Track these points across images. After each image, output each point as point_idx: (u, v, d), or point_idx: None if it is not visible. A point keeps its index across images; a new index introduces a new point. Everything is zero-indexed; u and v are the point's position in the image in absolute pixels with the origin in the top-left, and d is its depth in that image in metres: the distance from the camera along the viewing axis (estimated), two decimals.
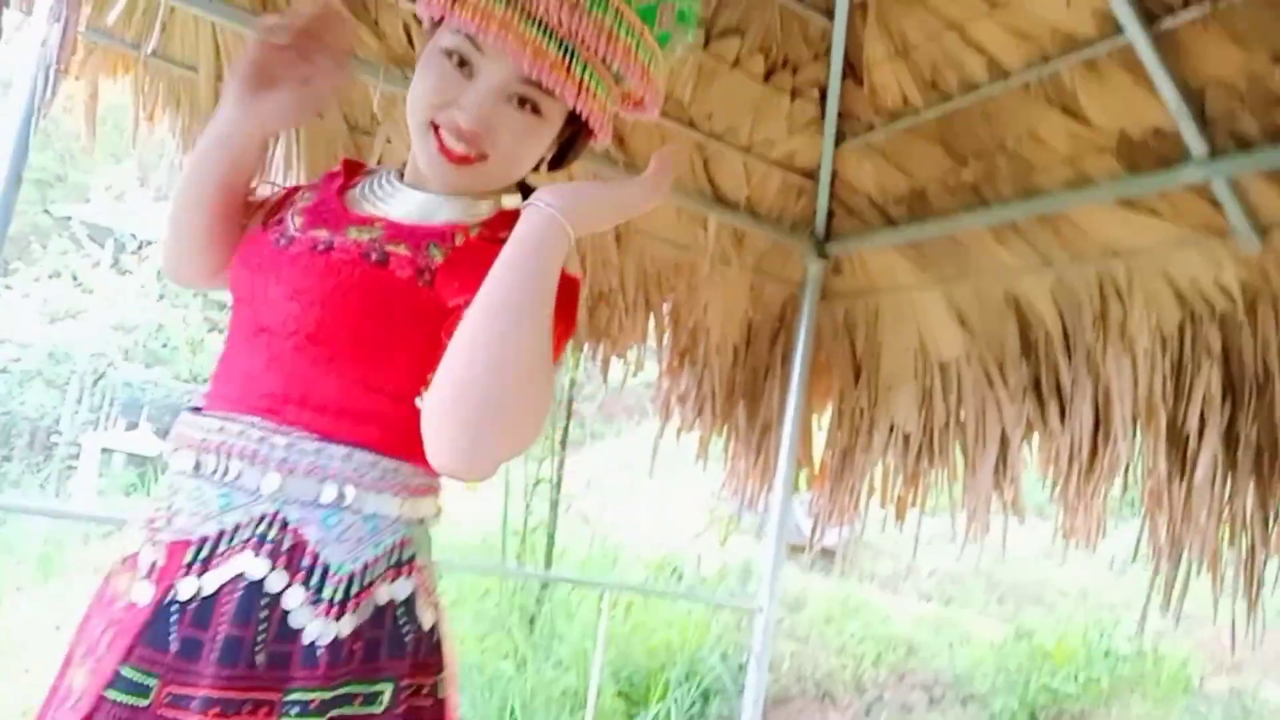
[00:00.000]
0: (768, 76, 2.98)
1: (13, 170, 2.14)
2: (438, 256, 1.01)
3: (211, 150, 1.13)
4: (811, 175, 3.22)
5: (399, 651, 0.98)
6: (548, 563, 6.36)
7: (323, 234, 1.03)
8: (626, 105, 1.12)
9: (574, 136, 1.11)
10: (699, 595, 7.22)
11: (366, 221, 1.05)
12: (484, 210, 1.07)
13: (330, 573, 0.94)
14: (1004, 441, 2.96)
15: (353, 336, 0.99)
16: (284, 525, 0.95)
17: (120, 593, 0.98)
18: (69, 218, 11.39)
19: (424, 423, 0.89)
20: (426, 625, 1.02)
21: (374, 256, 1.00)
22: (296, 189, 1.17)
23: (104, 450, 10.28)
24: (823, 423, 3.58)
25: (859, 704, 6.10)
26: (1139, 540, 2.75)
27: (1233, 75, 2.19)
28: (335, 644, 0.92)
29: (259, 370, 1.02)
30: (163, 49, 2.53)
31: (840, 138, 3.08)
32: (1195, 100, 2.25)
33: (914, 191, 3.01)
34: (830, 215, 3.29)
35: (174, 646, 0.91)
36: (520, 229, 0.93)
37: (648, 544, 7.99)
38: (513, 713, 5.29)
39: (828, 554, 7.94)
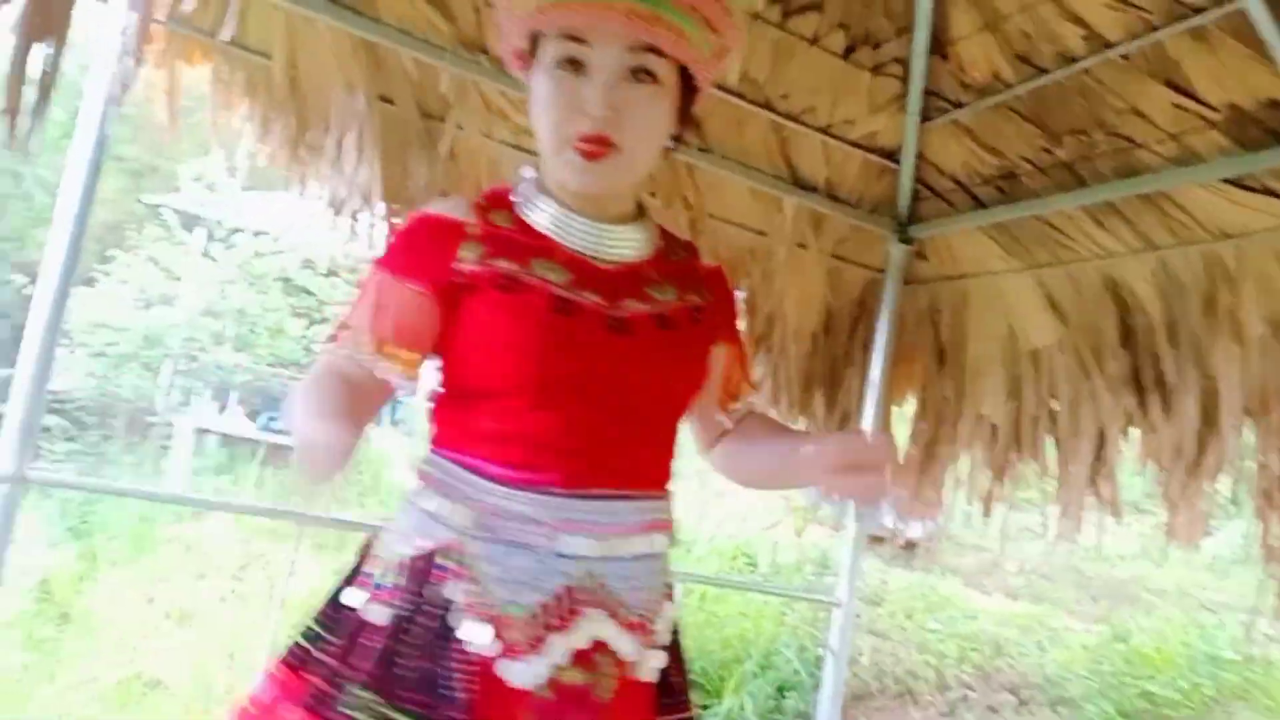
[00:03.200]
0: (848, 53, 2.86)
1: (93, 158, 2.17)
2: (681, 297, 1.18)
3: None
4: (894, 156, 3.09)
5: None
6: None
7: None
8: (718, 56, 1.13)
9: (685, 105, 1.15)
10: (776, 588, 7.12)
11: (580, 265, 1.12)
12: (655, 235, 1.20)
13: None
14: (1100, 434, 2.81)
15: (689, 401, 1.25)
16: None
17: None
18: (160, 206, 11.81)
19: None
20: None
21: (663, 324, 1.14)
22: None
23: (197, 431, 10.66)
24: (905, 413, 3.47)
25: (942, 703, 5.93)
26: (1246, 540, 2.58)
27: None
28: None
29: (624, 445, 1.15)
30: (239, 37, 2.54)
31: (925, 116, 2.95)
32: None
33: (1004, 171, 2.86)
34: (914, 197, 3.16)
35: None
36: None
37: (722, 533, 7.92)
38: None
39: (909, 547, 7.76)
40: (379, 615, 1.03)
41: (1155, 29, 2.25)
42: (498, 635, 1.00)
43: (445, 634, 1.01)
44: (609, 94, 1.02)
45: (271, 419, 11.22)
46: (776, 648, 5.86)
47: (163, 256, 11.41)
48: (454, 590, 1.02)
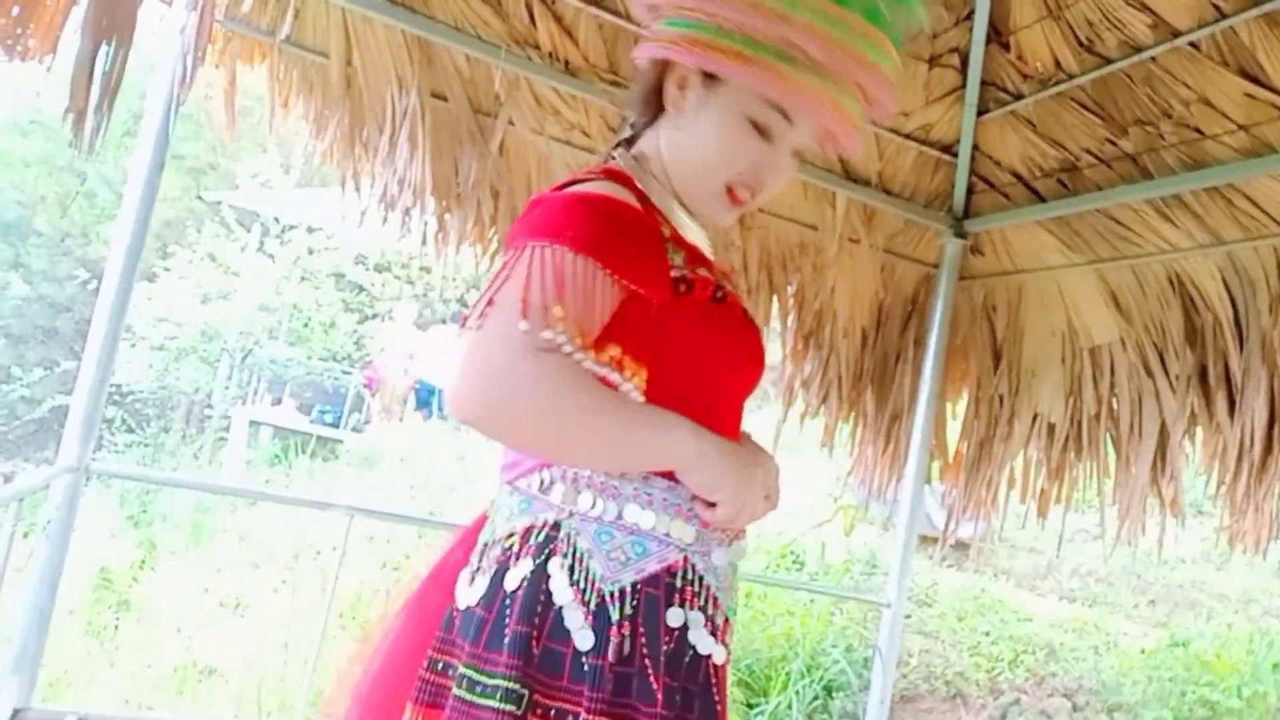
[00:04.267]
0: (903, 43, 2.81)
1: (156, 155, 2.22)
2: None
3: None
4: (950, 149, 3.04)
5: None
6: None
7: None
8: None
9: None
10: (825, 587, 7.06)
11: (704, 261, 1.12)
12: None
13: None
14: (1163, 434, 2.73)
15: None
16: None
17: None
18: (220, 203, 12.05)
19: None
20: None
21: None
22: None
23: (251, 423, 10.87)
24: (957, 410, 3.41)
25: (993, 707, 5.82)
26: None
27: None
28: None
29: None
30: (295, 35, 2.58)
31: (983, 108, 2.89)
32: None
33: (1064, 164, 2.79)
34: (970, 190, 3.10)
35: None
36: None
37: (769, 531, 7.86)
38: None
39: (961, 547, 7.63)
40: (613, 650, 0.95)
41: (1226, 15, 2.18)
42: (720, 637, 1.03)
43: (686, 651, 0.99)
44: (786, 171, 1.11)
45: (323, 412, 11.40)
46: (824, 647, 5.79)
47: (220, 253, 11.64)
48: (689, 612, 1.00)
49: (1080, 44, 2.53)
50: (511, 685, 0.92)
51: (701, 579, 1.01)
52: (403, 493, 7.99)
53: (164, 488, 8.23)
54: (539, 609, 0.96)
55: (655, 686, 0.94)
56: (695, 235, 1.12)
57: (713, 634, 1.01)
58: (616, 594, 0.97)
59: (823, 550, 7.67)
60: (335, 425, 10.97)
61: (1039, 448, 3.10)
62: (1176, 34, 2.30)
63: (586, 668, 0.94)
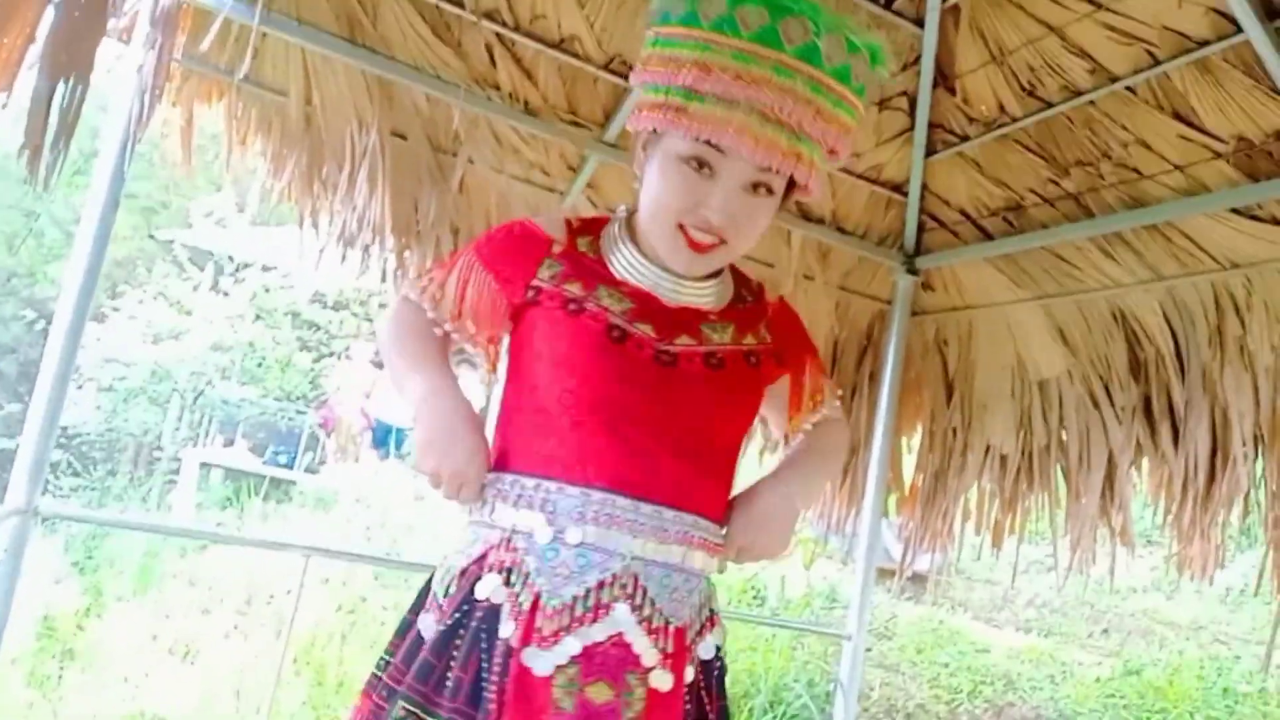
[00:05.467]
0: None
1: (111, 193, 2.20)
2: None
3: None
4: (900, 188, 3.11)
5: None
6: None
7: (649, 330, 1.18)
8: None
9: (786, 196, 1.23)
10: (785, 621, 7.06)
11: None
12: (727, 282, 1.29)
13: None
14: (1111, 465, 2.80)
15: None
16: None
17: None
18: (172, 241, 11.90)
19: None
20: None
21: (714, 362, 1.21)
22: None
23: (202, 465, 10.65)
24: (912, 444, 3.46)
25: None
26: (1261, 572, 2.56)
27: None
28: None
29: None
30: (254, 74, 2.58)
31: (931, 149, 2.97)
32: None
33: (1010, 203, 2.88)
34: (920, 229, 3.18)
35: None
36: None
37: (729, 567, 7.88)
38: None
39: (918, 580, 7.69)
40: (429, 628, 1.10)
41: (1160, 62, 2.28)
42: (532, 626, 1.04)
43: (491, 633, 1.06)
44: (731, 206, 1.12)
45: (277, 453, 11.20)
46: (786, 683, 5.79)
47: (172, 291, 11.48)
48: (497, 587, 1.07)
49: (1023, 88, 2.62)
50: None
51: (520, 557, 1.10)
52: (359, 533, 7.86)
53: (111, 533, 8.01)
54: None
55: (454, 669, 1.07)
56: (647, 277, 1.20)
57: (523, 614, 1.06)
58: (453, 577, 1.16)
59: (783, 584, 7.68)
60: (289, 466, 10.79)
61: (992, 479, 3.16)
62: (1114, 79, 2.39)
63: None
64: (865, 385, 3.38)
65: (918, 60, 2.80)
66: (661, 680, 1.05)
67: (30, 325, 12.52)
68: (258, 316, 11.68)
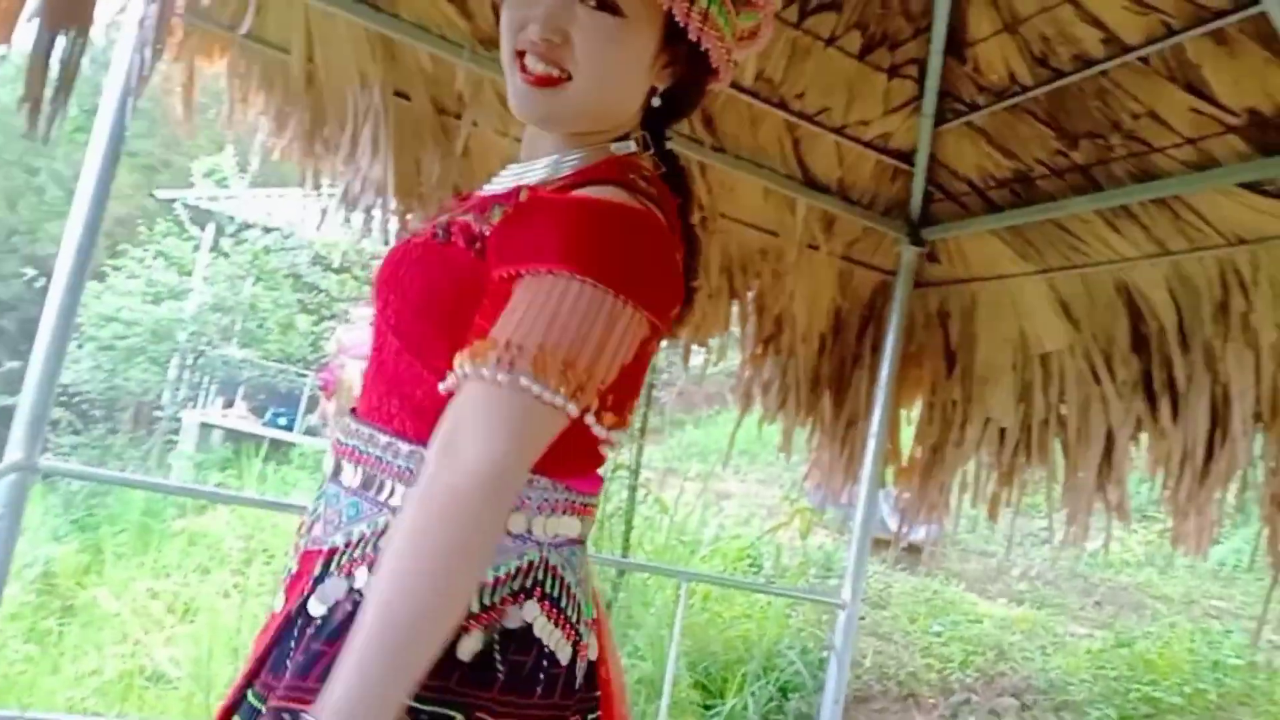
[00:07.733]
0: (864, 54, 2.86)
1: (110, 150, 2.18)
2: (497, 218, 0.91)
3: None
4: (908, 157, 3.09)
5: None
6: (624, 549, 6.34)
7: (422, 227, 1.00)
8: (742, 39, 1.03)
9: (691, 76, 1.02)
10: (781, 589, 7.12)
11: (461, 202, 1.02)
12: (571, 164, 0.98)
13: None
14: (1109, 440, 2.80)
15: (424, 324, 0.92)
16: None
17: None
18: (173, 201, 11.85)
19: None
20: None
21: (439, 234, 0.94)
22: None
23: (202, 425, 10.69)
24: (912, 416, 3.46)
25: (944, 706, 5.91)
26: (1255, 547, 2.57)
27: None
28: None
29: (370, 374, 0.99)
30: (256, 30, 2.55)
31: (940, 118, 2.95)
32: None
33: (1018, 174, 2.86)
34: (926, 199, 3.15)
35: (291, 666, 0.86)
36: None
37: (726, 535, 7.91)
38: None
39: (913, 551, 7.74)
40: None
41: (1175, 32, 2.25)
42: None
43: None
44: (557, 13, 0.92)
45: (277, 414, 11.22)
46: (780, 649, 5.84)
47: (173, 251, 11.45)
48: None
49: (1034, 58, 2.59)
50: None
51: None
52: None
53: (111, 491, 8.05)
54: None
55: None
56: (499, 177, 1.04)
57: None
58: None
59: (778, 553, 7.74)
60: (289, 428, 10.82)
61: (990, 452, 3.17)
62: (1127, 49, 2.37)
63: None
64: (867, 356, 3.37)
65: (929, 28, 2.77)
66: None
67: (30, 283, 12.49)
68: (258, 278, 11.65)
